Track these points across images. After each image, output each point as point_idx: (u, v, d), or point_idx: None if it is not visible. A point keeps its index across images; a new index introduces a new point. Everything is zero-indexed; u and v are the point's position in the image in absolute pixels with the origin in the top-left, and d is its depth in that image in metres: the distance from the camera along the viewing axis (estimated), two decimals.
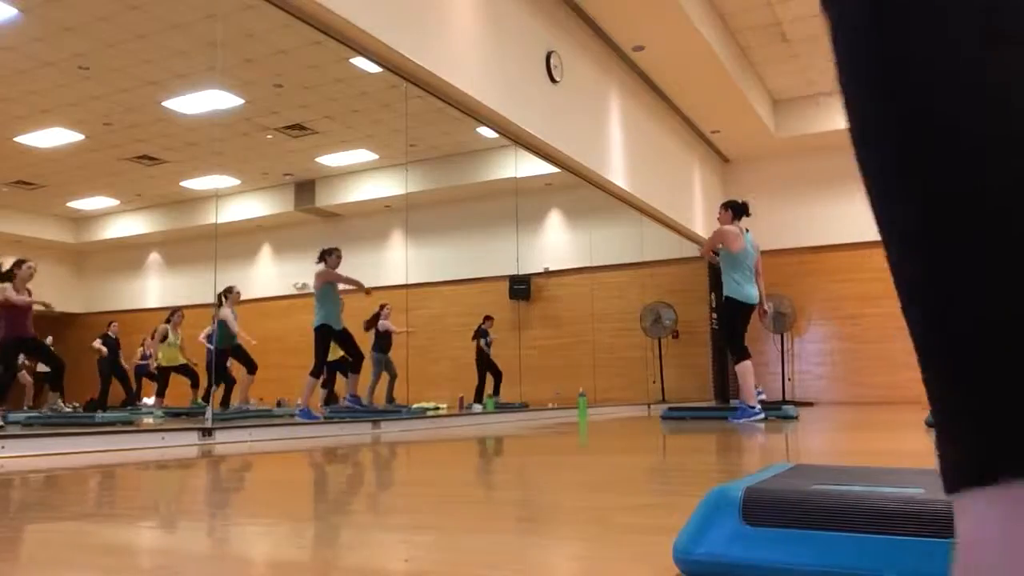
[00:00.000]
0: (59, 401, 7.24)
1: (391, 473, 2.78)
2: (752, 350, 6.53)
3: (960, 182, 0.37)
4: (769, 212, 11.76)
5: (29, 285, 6.96)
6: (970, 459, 0.38)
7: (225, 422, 5.58)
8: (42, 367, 8.15)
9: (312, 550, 1.30)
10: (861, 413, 7.64)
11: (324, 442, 4.51)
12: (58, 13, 7.45)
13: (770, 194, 12.32)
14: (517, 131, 6.84)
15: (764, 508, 0.95)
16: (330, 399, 9.12)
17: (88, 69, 8.44)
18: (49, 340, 7.78)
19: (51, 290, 7.58)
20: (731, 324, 6.42)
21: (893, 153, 0.41)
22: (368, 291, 7.26)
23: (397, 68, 5.56)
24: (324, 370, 7.36)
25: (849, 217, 12.17)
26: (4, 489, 2.32)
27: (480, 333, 10.22)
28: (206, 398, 8.87)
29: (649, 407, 10.07)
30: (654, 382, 11.76)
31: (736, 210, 6.42)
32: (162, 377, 9.93)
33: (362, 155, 11.20)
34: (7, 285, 6.75)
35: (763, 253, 6.69)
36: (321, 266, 7.13)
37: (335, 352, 7.51)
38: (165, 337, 9.78)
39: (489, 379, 10.17)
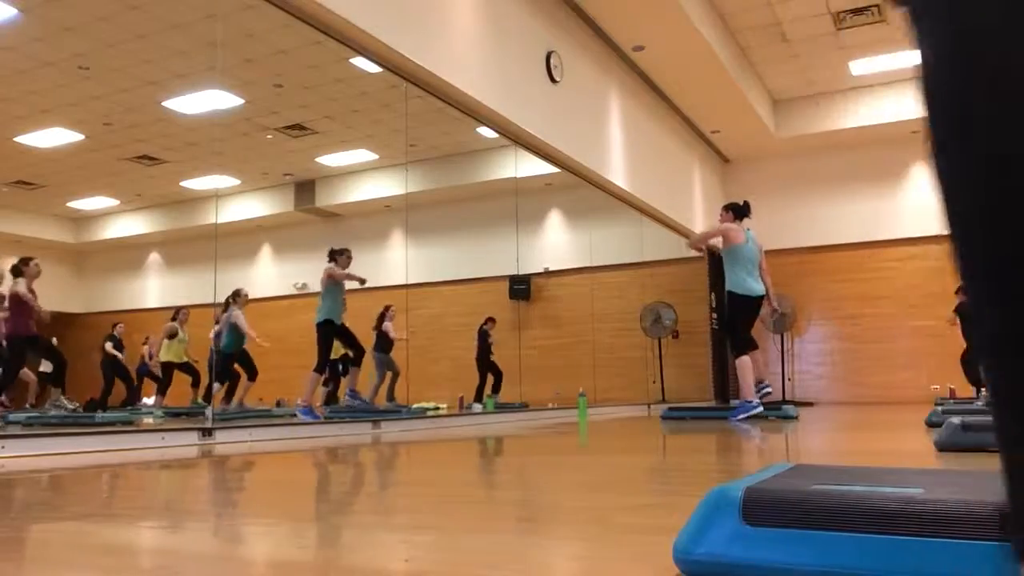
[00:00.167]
0: (62, 398, 7.26)
1: (391, 473, 2.78)
2: None
3: None
4: (769, 212, 11.76)
5: (33, 286, 7.01)
6: None
7: (225, 422, 5.58)
8: (43, 367, 8.17)
9: (312, 550, 1.30)
10: (861, 413, 7.64)
11: (324, 442, 4.51)
12: (58, 13, 7.45)
13: (770, 194, 12.32)
14: (517, 131, 6.84)
15: (764, 508, 0.95)
16: (331, 399, 9.12)
17: (88, 69, 8.44)
18: (54, 341, 7.82)
19: (51, 290, 7.62)
20: (732, 318, 6.45)
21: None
22: (363, 281, 7.32)
23: (397, 68, 5.56)
24: (327, 367, 7.40)
25: (849, 217, 12.17)
26: (4, 489, 2.32)
27: (482, 335, 10.27)
28: (207, 398, 8.89)
29: (649, 407, 10.07)
30: (654, 382, 11.76)
31: (737, 211, 6.52)
32: (166, 374, 9.97)
33: (362, 155, 11.20)
34: (21, 280, 6.81)
35: (764, 253, 6.73)
36: (332, 265, 7.21)
37: (337, 351, 7.56)
38: (174, 335, 9.82)
39: (489, 378, 10.18)
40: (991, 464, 2.44)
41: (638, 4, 7.70)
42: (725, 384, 11.94)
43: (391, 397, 9.34)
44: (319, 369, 6.90)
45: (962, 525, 0.85)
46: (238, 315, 8.68)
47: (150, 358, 11.10)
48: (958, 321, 9.14)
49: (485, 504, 1.88)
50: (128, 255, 14.40)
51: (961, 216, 0.43)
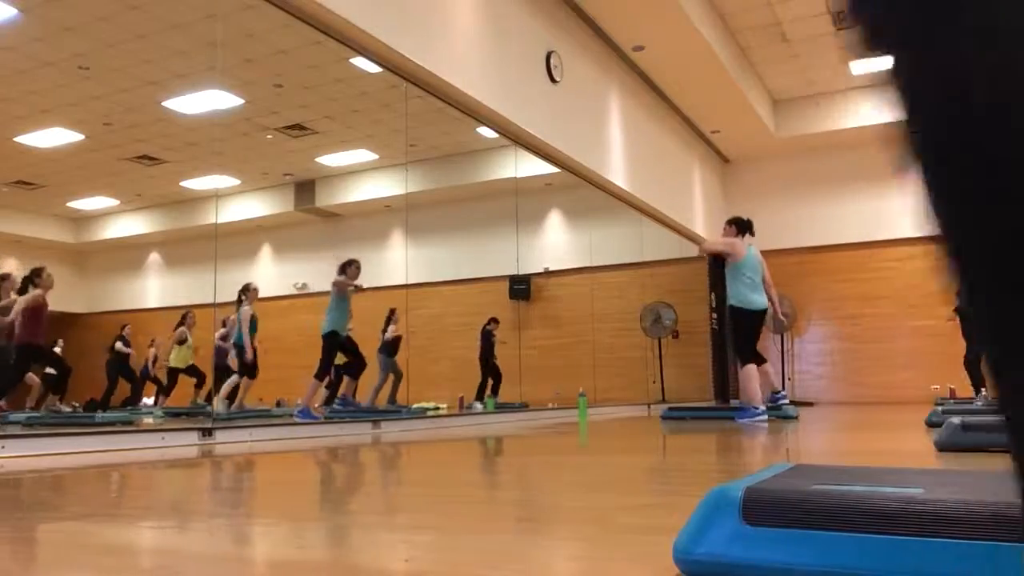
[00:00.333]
0: (58, 403, 7.28)
1: (391, 473, 2.78)
2: None
3: None
4: (769, 212, 11.76)
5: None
6: None
7: (226, 422, 5.58)
8: (49, 369, 8.19)
9: (312, 550, 1.30)
10: (861, 413, 7.64)
11: (324, 442, 4.51)
12: (58, 13, 7.45)
13: (770, 194, 12.32)
14: (517, 131, 6.84)
15: (764, 508, 0.95)
16: (331, 400, 9.12)
17: (88, 69, 8.44)
18: (59, 343, 7.86)
19: (52, 290, 7.64)
20: (735, 331, 6.53)
21: None
22: (360, 287, 7.41)
23: (397, 68, 5.56)
24: (331, 373, 7.47)
25: (849, 217, 12.17)
26: (4, 489, 2.32)
27: (486, 335, 10.34)
28: (209, 399, 8.93)
29: (649, 407, 10.07)
30: (654, 382, 11.76)
31: (740, 227, 6.63)
32: (172, 378, 10.00)
33: (362, 155, 11.20)
34: (38, 291, 6.86)
35: (763, 253, 6.78)
36: (341, 277, 7.28)
37: (341, 357, 7.62)
38: (184, 340, 9.86)
39: (489, 380, 10.21)
40: (991, 464, 2.44)
41: (638, 4, 7.70)
42: (725, 384, 11.94)
43: (393, 400, 9.34)
44: (319, 376, 7.00)
45: (962, 525, 0.85)
46: (245, 311, 8.72)
47: (155, 361, 11.14)
48: (958, 320, 9.14)
49: (485, 504, 1.88)
50: (128, 255, 14.40)
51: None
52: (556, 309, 12.33)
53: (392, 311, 9.33)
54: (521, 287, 12.07)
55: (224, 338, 9.14)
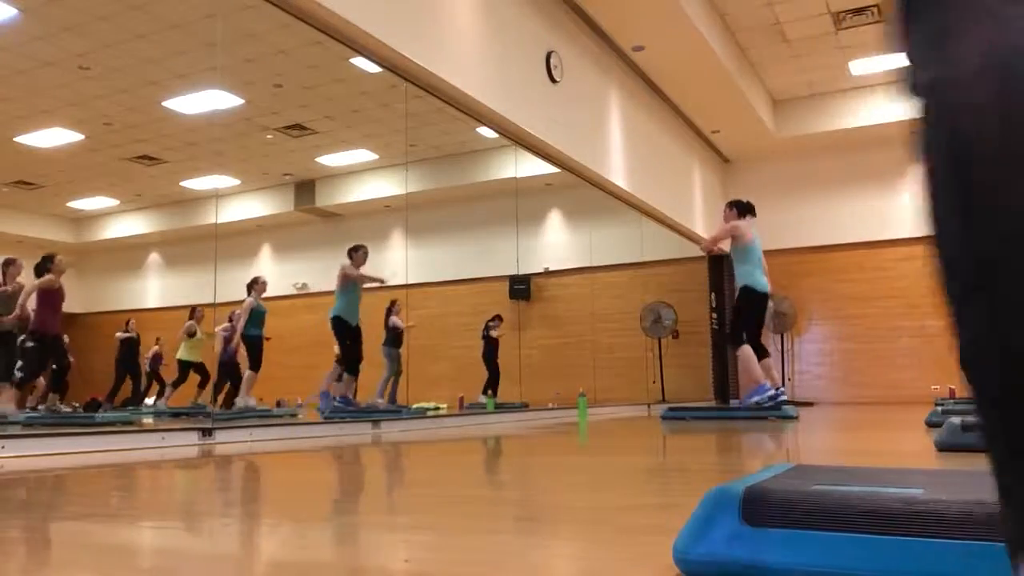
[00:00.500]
0: (57, 403, 7.29)
1: (391, 473, 2.78)
2: None
3: None
4: (769, 212, 11.75)
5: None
6: None
7: (226, 422, 5.58)
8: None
9: (312, 550, 1.30)
10: (861, 413, 7.64)
11: (324, 442, 4.51)
12: (58, 13, 7.45)
13: (770, 194, 12.31)
14: (517, 131, 6.84)
15: (764, 508, 0.95)
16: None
17: (88, 69, 8.44)
18: (66, 339, 7.88)
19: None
20: (742, 312, 6.49)
21: None
22: (382, 280, 7.47)
23: (397, 68, 5.56)
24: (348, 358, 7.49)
25: (849, 217, 12.16)
26: (4, 489, 2.32)
27: (485, 329, 10.44)
28: (225, 400, 8.98)
29: (649, 407, 10.07)
30: (654, 382, 11.76)
31: (741, 208, 6.64)
32: (183, 371, 10.04)
33: (362, 155, 11.20)
34: (50, 275, 6.89)
35: (764, 253, 6.80)
36: (348, 263, 7.28)
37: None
38: (193, 333, 9.91)
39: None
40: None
41: (638, 4, 7.70)
42: (725, 384, 11.94)
43: (393, 400, 9.35)
44: (340, 362, 7.08)
45: (962, 525, 0.85)
46: (248, 302, 8.78)
47: (159, 359, 11.18)
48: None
49: (485, 504, 1.88)
50: (128, 255, 14.40)
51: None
52: (556, 309, 12.33)
53: (393, 302, 9.34)
54: (521, 287, 12.08)
55: (229, 337, 9.19)
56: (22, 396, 7.53)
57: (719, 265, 12.08)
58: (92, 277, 14.58)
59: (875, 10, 9.01)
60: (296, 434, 5.20)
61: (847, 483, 1.06)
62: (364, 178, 11.82)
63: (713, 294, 12.24)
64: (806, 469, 1.30)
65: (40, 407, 7.54)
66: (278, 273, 13.06)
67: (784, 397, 6.64)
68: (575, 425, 6.30)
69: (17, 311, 7.03)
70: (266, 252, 13.46)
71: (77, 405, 9.86)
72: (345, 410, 7.25)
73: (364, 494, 2.16)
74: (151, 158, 11.15)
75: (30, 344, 6.97)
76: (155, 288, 14.30)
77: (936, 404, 7.34)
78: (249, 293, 8.86)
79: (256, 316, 8.78)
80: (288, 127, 10.13)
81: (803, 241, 12.31)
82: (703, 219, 11.40)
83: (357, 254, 7.35)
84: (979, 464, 2.14)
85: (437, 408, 9.38)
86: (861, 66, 10.57)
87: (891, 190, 11.97)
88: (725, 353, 11.97)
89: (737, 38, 9.71)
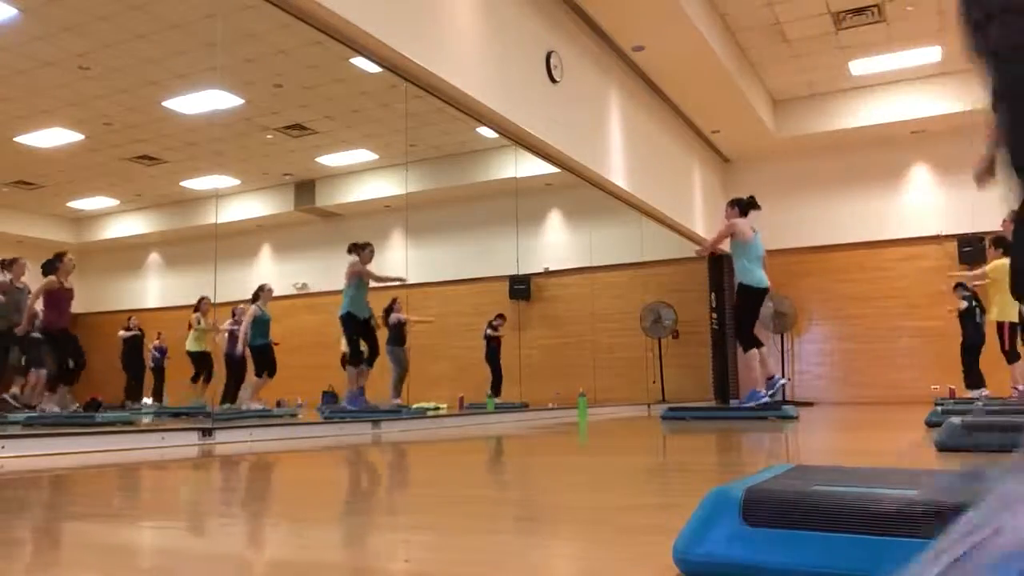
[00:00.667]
0: (52, 404, 7.31)
1: (391, 473, 2.79)
2: None
3: None
4: (769, 212, 11.68)
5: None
6: None
7: (226, 422, 5.58)
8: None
9: (312, 550, 1.30)
10: (861, 413, 7.64)
11: (324, 442, 4.51)
12: (58, 13, 7.44)
13: (770, 194, 12.28)
14: (517, 131, 6.84)
15: (764, 509, 0.95)
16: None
17: (88, 69, 8.44)
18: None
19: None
20: (741, 311, 6.62)
21: None
22: (401, 280, 7.53)
23: (397, 68, 5.56)
24: (358, 356, 7.51)
25: (849, 217, 12.16)
26: (4, 489, 2.32)
27: (490, 328, 10.47)
28: (229, 398, 9.01)
29: (649, 407, 10.07)
30: (654, 382, 11.76)
31: (742, 206, 6.70)
32: (196, 363, 10.06)
33: (362, 155, 11.20)
34: (52, 277, 6.96)
35: (765, 252, 6.86)
36: (355, 260, 7.30)
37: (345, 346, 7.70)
38: (197, 324, 9.93)
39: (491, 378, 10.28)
40: (991, 464, 2.44)
41: (638, 4, 7.70)
42: (725, 384, 11.94)
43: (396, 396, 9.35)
44: (352, 362, 7.10)
45: None
46: (253, 309, 8.79)
47: (164, 351, 11.21)
48: (962, 308, 9.11)
49: (485, 504, 1.88)
50: (128, 255, 14.40)
51: None
52: (556, 309, 12.33)
53: (393, 300, 9.34)
54: (521, 287, 12.08)
55: (233, 336, 9.23)
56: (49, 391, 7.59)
57: (719, 265, 12.08)
58: (92, 277, 14.58)
59: (875, 10, 9.01)
60: (296, 434, 5.20)
61: (847, 484, 1.06)
62: (364, 178, 11.82)
63: (713, 294, 12.24)
64: (806, 469, 1.30)
65: (38, 409, 7.54)
66: (278, 273, 13.06)
67: (782, 382, 6.72)
68: (575, 425, 6.30)
69: (27, 319, 7.16)
70: (266, 252, 13.46)
71: (78, 406, 9.86)
72: (344, 410, 7.25)
73: (364, 494, 2.16)
74: (151, 158, 11.15)
75: (34, 335, 7.09)
76: (155, 288, 14.30)
77: (936, 404, 7.34)
78: (255, 300, 8.87)
79: (260, 324, 8.79)
80: (288, 127, 10.13)
81: (803, 241, 12.31)
82: (703, 219, 11.40)
83: (364, 252, 7.38)
84: (979, 464, 2.13)
85: (437, 408, 9.38)
86: (861, 66, 10.57)
87: (891, 190, 11.97)
88: (725, 353, 11.97)
89: (737, 38, 9.71)
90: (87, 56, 8.17)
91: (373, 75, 7.19)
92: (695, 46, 8.56)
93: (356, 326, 7.25)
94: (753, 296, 6.54)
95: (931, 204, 11.68)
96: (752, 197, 6.79)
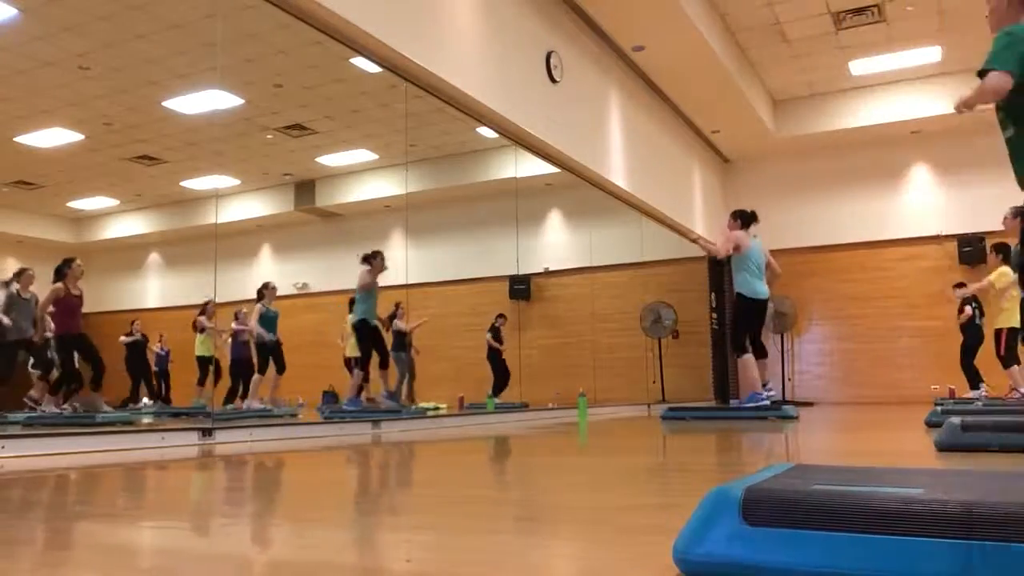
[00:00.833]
0: (51, 404, 7.34)
1: (391, 473, 2.79)
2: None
3: None
4: (769, 212, 11.71)
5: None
6: None
7: (226, 422, 5.58)
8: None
9: (313, 550, 1.30)
10: (861, 413, 7.64)
11: (324, 442, 4.51)
12: (58, 13, 7.44)
13: (770, 194, 12.31)
14: (517, 131, 6.84)
15: (764, 508, 0.95)
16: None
17: (88, 69, 8.44)
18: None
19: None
20: (736, 319, 6.69)
21: None
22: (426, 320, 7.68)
23: (397, 68, 5.56)
24: (367, 361, 7.61)
25: (849, 217, 12.16)
26: (5, 489, 2.32)
27: (493, 329, 10.48)
28: (232, 398, 9.04)
29: (649, 407, 10.07)
30: (654, 382, 11.75)
31: (744, 219, 6.81)
32: (201, 367, 10.07)
33: (362, 155, 11.20)
34: (58, 285, 7.01)
35: (770, 254, 6.92)
36: (366, 269, 7.38)
37: (353, 350, 7.77)
38: (204, 329, 9.94)
39: (492, 378, 10.27)
40: (991, 464, 2.44)
41: (638, 4, 7.70)
42: (725, 384, 11.93)
43: (395, 398, 9.36)
44: (361, 366, 7.35)
45: (962, 525, 0.85)
46: (258, 308, 8.81)
47: (167, 354, 11.21)
48: (961, 306, 9.09)
49: (486, 504, 1.88)
50: (128, 255, 14.39)
51: None
52: (556, 309, 12.33)
53: (397, 305, 9.37)
54: (521, 287, 12.08)
55: (239, 338, 9.26)
56: (56, 391, 7.64)
57: (719, 265, 12.07)
58: (92, 277, 14.52)
59: (875, 10, 9.01)
60: (296, 434, 5.20)
61: (847, 483, 1.06)
62: (364, 178, 11.82)
63: (713, 294, 12.24)
64: (806, 469, 1.30)
65: (38, 410, 7.55)
66: (278, 273, 13.05)
67: (771, 393, 6.77)
68: (575, 425, 6.30)
69: (40, 329, 7.26)
70: (266, 252, 13.46)
71: (78, 406, 9.86)
72: (344, 410, 7.27)
73: (365, 494, 2.16)
74: (151, 158, 11.15)
75: (47, 337, 7.19)
76: (155, 288, 14.30)
77: (936, 404, 7.34)
78: (260, 299, 8.92)
79: (266, 321, 8.83)
80: (288, 127, 10.13)
81: (804, 241, 12.31)
82: (703, 219, 11.40)
83: (376, 261, 7.43)
84: (979, 464, 2.14)
85: (437, 408, 9.38)
86: (861, 66, 10.57)
87: (891, 190, 11.97)
88: (725, 353, 11.97)
89: (737, 38, 9.71)
90: (87, 56, 8.17)
91: (373, 75, 7.19)
92: (695, 46, 8.56)
93: (368, 332, 7.37)
94: (749, 306, 6.62)
95: (931, 204, 11.68)
96: (754, 212, 6.87)
